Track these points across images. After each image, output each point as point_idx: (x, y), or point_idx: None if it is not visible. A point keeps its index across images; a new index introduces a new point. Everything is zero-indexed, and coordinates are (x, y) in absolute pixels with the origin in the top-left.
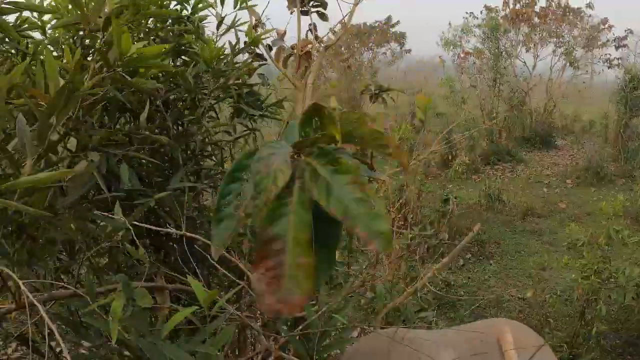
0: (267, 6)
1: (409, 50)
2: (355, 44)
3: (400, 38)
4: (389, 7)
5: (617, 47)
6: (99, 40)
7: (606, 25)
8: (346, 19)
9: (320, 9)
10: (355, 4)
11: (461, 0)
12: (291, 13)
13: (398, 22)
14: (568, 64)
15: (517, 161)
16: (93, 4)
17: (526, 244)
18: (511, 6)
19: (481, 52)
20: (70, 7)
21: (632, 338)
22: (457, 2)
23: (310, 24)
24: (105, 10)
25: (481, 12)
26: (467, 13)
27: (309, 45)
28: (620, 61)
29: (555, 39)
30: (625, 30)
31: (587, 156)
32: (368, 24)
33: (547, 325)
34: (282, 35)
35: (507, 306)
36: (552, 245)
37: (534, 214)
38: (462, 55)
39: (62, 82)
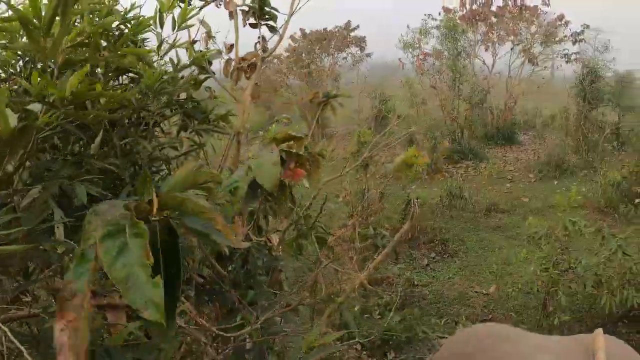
0: (201, 10)
1: (370, 54)
2: (316, 50)
3: (361, 42)
4: (349, 12)
5: (574, 42)
6: (52, 75)
7: (563, 21)
8: (291, 29)
9: (270, 22)
10: (290, 15)
11: (420, 4)
12: (231, 20)
13: (357, 26)
14: (527, 60)
15: (480, 158)
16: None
17: (490, 240)
18: (468, 7)
19: (440, 52)
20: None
21: (597, 326)
22: (416, 5)
23: (259, 37)
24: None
25: (439, 14)
26: (425, 15)
27: (255, 58)
28: (578, 56)
29: (513, 37)
30: (582, 25)
31: (548, 150)
32: (329, 29)
33: (511, 318)
34: (229, 49)
35: (471, 302)
36: (515, 239)
37: (498, 209)
38: (421, 57)
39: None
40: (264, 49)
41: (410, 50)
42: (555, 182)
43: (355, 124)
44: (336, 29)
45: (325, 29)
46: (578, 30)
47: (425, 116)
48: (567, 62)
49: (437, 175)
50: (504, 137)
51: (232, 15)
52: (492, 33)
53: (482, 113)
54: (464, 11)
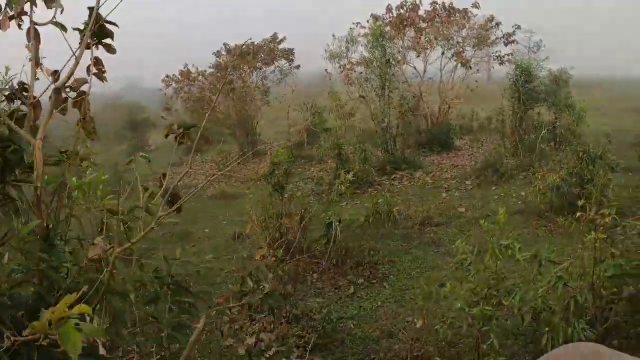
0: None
1: (298, 66)
2: (242, 65)
3: (289, 54)
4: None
5: (506, 44)
6: None
7: (493, 23)
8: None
9: (107, 40)
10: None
11: (349, 13)
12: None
13: (284, 38)
14: (460, 64)
15: (416, 167)
16: None
17: (423, 259)
18: (394, 12)
19: (368, 61)
20: None
21: None
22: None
23: (92, 58)
24: None
25: (368, 22)
26: (354, 23)
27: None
28: (511, 57)
29: (444, 41)
30: (513, 26)
31: (485, 154)
32: (256, 42)
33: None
34: (54, 77)
35: (401, 335)
36: (451, 255)
37: (432, 222)
38: (347, 67)
39: None
40: (99, 76)
41: (337, 60)
42: (494, 188)
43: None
44: (263, 42)
45: (253, 43)
46: (509, 32)
47: (353, 127)
48: (500, 63)
49: (370, 188)
50: (439, 144)
51: (30, 35)
52: (419, 38)
53: (416, 120)
54: (390, 17)
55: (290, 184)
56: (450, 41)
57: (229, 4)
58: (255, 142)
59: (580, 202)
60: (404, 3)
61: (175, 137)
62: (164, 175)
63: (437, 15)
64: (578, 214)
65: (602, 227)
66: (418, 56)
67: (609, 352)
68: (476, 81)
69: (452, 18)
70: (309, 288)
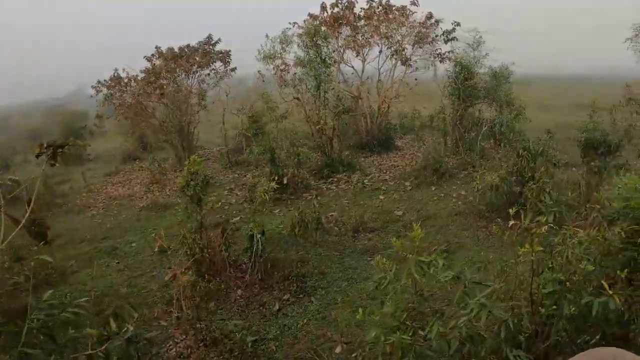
0: None
1: (234, 69)
2: (176, 69)
3: (225, 57)
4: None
5: (446, 41)
6: None
7: (432, 20)
8: None
9: None
10: None
11: (287, 13)
12: None
13: (219, 40)
14: (400, 63)
15: (354, 170)
16: None
17: (356, 268)
18: (329, 11)
19: (303, 61)
20: None
21: None
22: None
23: None
24: None
25: (304, 21)
26: (290, 23)
27: None
28: (451, 54)
29: (383, 40)
30: (452, 23)
31: (424, 154)
32: (191, 45)
33: None
34: None
35: (327, 357)
36: (385, 264)
37: (367, 228)
38: (281, 68)
39: None
40: None
41: (270, 61)
42: (434, 188)
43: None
44: (198, 45)
45: (188, 45)
46: (449, 29)
47: (288, 130)
48: (440, 61)
49: (305, 194)
50: (380, 144)
51: None
52: (355, 37)
53: (355, 121)
54: (325, 15)
55: (209, 195)
56: (390, 39)
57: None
58: (192, 148)
59: (512, 210)
60: (339, 1)
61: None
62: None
63: (375, 13)
64: (511, 222)
65: (537, 238)
66: (357, 55)
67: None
68: (416, 79)
69: (390, 16)
70: (232, 306)
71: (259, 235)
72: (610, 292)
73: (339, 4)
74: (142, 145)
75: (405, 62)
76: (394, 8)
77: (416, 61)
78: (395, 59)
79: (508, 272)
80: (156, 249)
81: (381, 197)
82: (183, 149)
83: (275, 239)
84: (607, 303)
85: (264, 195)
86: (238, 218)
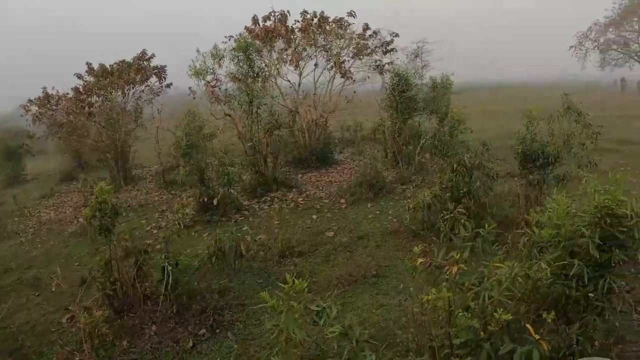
0: None
1: (170, 85)
2: (108, 86)
3: (161, 72)
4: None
5: (385, 52)
6: None
7: (371, 31)
8: None
9: None
10: None
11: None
12: None
13: (153, 55)
14: (339, 75)
15: (289, 187)
16: None
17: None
18: (261, 24)
19: (235, 76)
20: None
21: None
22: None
23: None
24: None
25: (240, 35)
26: (226, 37)
27: None
28: (391, 66)
29: (321, 52)
30: (391, 34)
31: (361, 169)
32: (126, 60)
33: None
34: None
35: None
36: (312, 293)
37: (294, 252)
38: (212, 83)
39: None
40: None
41: (202, 76)
42: (369, 205)
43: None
44: (133, 60)
45: (123, 61)
46: (388, 40)
47: (218, 149)
48: (380, 73)
49: (236, 214)
50: (318, 159)
51: None
52: (288, 50)
53: (292, 136)
54: (257, 28)
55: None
56: (329, 52)
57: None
58: (128, 169)
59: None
60: (272, 14)
61: None
62: None
63: (310, 25)
64: (419, 260)
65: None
66: (296, 68)
67: None
68: (354, 92)
69: (328, 27)
70: (145, 343)
71: (170, 268)
72: (537, 336)
73: (271, 17)
74: (80, 166)
75: (345, 74)
76: (330, 20)
77: (353, 73)
78: (334, 71)
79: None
80: (53, 289)
81: (314, 216)
82: (118, 169)
83: (194, 268)
84: (531, 352)
85: (179, 222)
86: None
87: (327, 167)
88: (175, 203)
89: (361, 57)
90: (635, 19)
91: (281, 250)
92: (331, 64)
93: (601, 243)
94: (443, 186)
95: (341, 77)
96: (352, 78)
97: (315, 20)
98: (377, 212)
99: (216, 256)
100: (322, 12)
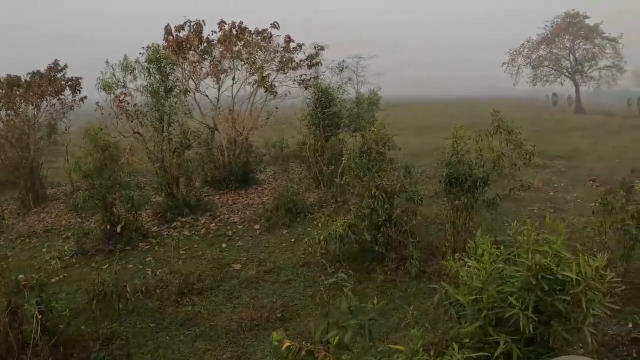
0: None
1: (84, 98)
2: (15, 99)
3: (75, 84)
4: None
5: (309, 66)
6: None
7: (295, 44)
8: None
9: None
10: None
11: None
12: None
13: (66, 66)
14: (263, 89)
15: (203, 211)
16: None
17: (168, 347)
18: (174, 34)
19: (147, 90)
20: None
21: None
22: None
23: None
24: None
25: (159, 45)
26: (143, 48)
27: None
28: (315, 80)
29: (245, 65)
30: (315, 47)
31: (279, 191)
32: (40, 71)
33: None
34: None
35: None
36: (208, 339)
37: (195, 289)
38: (120, 98)
39: None
40: None
41: (111, 90)
42: (285, 232)
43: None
44: (45, 71)
45: (37, 71)
46: (313, 53)
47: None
48: (305, 88)
49: (142, 243)
50: (238, 179)
51: None
52: (201, 63)
53: (211, 155)
54: (169, 39)
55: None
56: (253, 65)
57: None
58: (37, 188)
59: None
60: (186, 24)
61: None
62: None
63: (229, 36)
64: (286, 344)
65: None
66: (218, 81)
67: None
68: (276, 108)
69: (250, 39)
70: None
71: (40, 316)
72: None
73: (185, 27)
74: None
75: (269, 89)
76: (252, 31)
77: (275, 87)
78: (258, 85)
79: None
80: None
81: (224, 244)
82: (27, 189)
83: (79, 310)
84: None
85: (56, 262)
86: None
87: (247, 188)
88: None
89: (286, 71)
90: (566, 37)
91: (179, 287)
92: (254, 77)
93: (535, 319)
94: (360, 213)
95: (265, 92)
96: (275, 93)
97: (233, 32)
98: (292, 239)
99: (97, 299)
100: (241, 22)
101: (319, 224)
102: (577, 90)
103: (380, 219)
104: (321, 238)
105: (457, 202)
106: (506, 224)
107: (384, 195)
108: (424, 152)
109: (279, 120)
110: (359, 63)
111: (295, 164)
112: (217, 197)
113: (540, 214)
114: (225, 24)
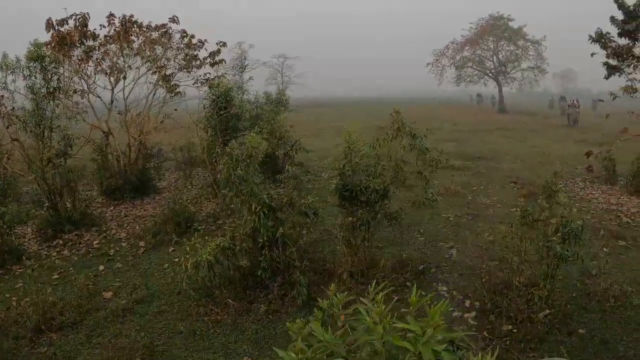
0: None
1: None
2: None
3: None
4: None
5: (212, 64)
6: None
7: (196, 40)
8: None
9: None
10: None
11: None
12: None
13: None
14: (165, 90)
15: (89, 226)
16: None
17: None
18: (56, 28)
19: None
20: None
21: None
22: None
23: None
24: None
25: (42, 42)
26: (30, 44)
27: None
28: (219, 79)
29: (140, 63)
30: (218, 44)
31: (168, 202)
32: None
33: None
34: None
35: None
36: None
37: (54, 325)
38: None
39: None
40: None
41: None
42: (171, 250)
43: None
44: None
45: None
46: (214, 50)
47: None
48: (210, 87)
49: (15, 266)
50: (134, 188)
51: None
52: (87, 61)
53: (106, 162)
54: (53, 35)
55: None
56: (153, 63)
57: None
58: None
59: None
60: (71, 17)
61: None
62: None
63: (118, 32)
64: None
65: None
66: (117, 82)
67: None
68: (175, 109)
69: (151, 35)
70: None
71: None
72: None
73: (69, 21)
74: None
75: (171, 89)
76: (146, 27)
77: (178, 86)
78: (157, 85)
79: None
80: None
81: (101, 267)
82: None
83: None
84: None
85: None
86: None
87: (145, 197)
88: None
89: (189, 69)
90: (491, 38)
91: (37, 322)
92: (152, 76)
93: None
94: (236, 234)
95: (167, 92)
96: (178, 93)
97: (120, 27)
98: (176, 259)
99: None
100: (131, 16)
101: (187, 248)
102: (500, 90)
103: (260, 241)
104: (188, 265)
105: (350, 218)
106: (418, 234)
107: (266, 212)
108: (337, 155)
109: (179, 122)
110: (285, 63)
111: (203, 170)
112: (111, 208)
113: (456, 221)
114: (115, 17)
